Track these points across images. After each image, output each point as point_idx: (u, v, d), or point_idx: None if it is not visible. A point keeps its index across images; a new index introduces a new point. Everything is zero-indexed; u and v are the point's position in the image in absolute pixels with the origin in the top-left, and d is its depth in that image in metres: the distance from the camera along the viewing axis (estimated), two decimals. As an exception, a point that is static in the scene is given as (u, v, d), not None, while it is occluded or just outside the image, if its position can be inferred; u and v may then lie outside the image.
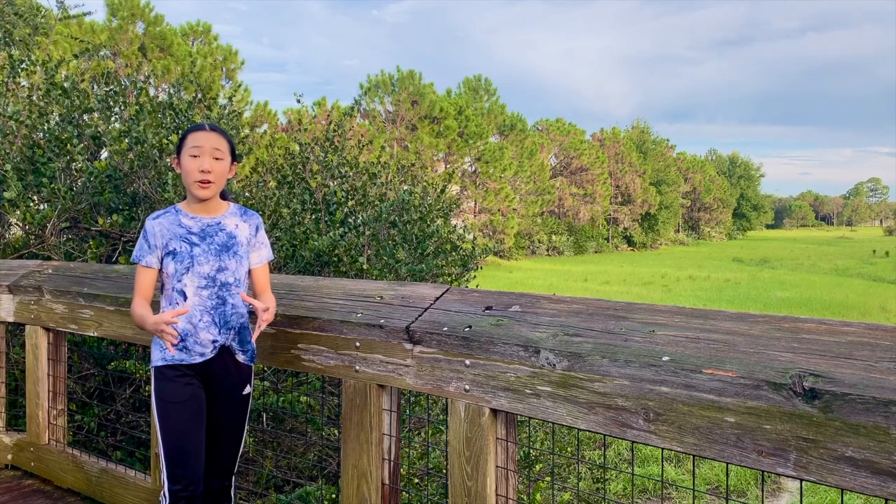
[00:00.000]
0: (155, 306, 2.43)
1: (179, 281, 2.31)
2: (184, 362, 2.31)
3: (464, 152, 39.55)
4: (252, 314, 2.39)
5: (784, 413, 1.47)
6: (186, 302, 2.30)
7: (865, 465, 1.37)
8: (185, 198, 2.43)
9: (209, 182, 2.30)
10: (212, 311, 2.32)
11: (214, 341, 2.33)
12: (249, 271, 2.43)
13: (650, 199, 61.55)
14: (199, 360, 2.32)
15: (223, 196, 2.45)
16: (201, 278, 2.31)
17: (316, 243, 4.64)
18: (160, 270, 2.35)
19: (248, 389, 2.44)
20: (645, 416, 1.67)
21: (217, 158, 2.31)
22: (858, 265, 41.07)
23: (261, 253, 2.46)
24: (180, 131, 4.46)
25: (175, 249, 2.31)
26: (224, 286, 2.34)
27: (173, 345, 2.25)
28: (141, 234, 2.37)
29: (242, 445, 2.48)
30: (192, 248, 2.32)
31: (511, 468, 2.02)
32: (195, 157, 2.28)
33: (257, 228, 2.46)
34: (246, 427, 2.47)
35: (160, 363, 2.32)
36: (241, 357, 2.40)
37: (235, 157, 2.41)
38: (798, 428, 1.45)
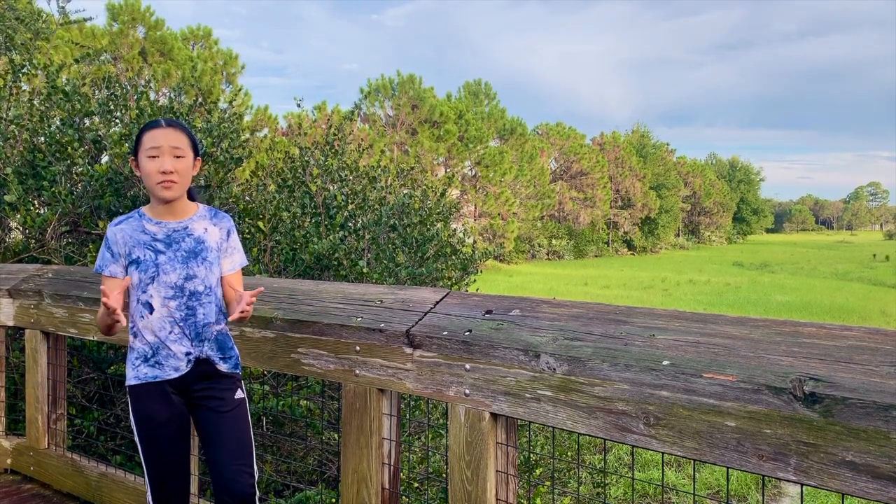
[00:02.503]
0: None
1: (144, 292, 2.15)
2: (158, 379, 2.16)
3: (464, 156, 39.60)
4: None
5: (784, 417, 1.46)
6: (153, 314, 2.15)
7: (866, 469, 1.37)
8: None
9: (173, 182, 2.13)
10: (181, 323, 2.16)
11: (188, 353, 2.18)
12: (221, 278, 2.27)
13: (650, 203, 61.59)
14: (174, 374, 2.16)
15: (191, 197, 2.29)
16: (168, 288, 2.15)
17: (316, 247, 4.64)
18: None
19: (240, 394, 2.26)
20: (645, 420, 1.67)
21: (178, 156, 2.14)
22: (858, 269, 41.09)
23: (233, 259, 2.29)
24: None
25: (139, 258, 2.15)
26: (193, 295, 2.17)
27: (145, 360, 2.15)
28: (103, 242, 2.20)
29: (254, 451, 2.29)
30: (156, 256, 2.16)
31: (511, 472, 2.02)
32: (154, 157, 2.12)
33: (229, 232, 2.29)
34: (252, 432, 2.30)
35: (133, 382, 2.17)
36: (223, 367, 2.23)
37: (198, 152, 2.25)
38: (798, 432, 1.45)
